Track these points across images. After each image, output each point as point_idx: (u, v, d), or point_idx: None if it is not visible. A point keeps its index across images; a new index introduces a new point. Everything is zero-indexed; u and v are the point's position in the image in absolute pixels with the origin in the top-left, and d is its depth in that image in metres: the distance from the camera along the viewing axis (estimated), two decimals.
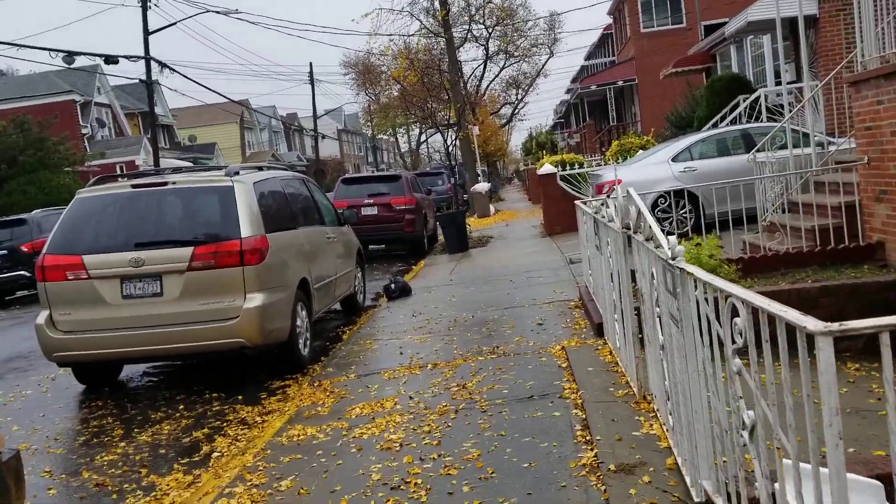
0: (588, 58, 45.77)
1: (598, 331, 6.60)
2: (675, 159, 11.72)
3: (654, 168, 11.77)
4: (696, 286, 2.90)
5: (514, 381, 5.58)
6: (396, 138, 73.30)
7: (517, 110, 52.39)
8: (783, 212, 9.02)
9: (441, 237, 20.18)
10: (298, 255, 7.78)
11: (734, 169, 11.40)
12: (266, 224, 7.03)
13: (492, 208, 26.77)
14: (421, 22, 28.39)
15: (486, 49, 38.55)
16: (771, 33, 15.40)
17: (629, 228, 4.78)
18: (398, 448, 4.45)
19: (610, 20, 35.18)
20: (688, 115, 16.92)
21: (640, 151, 15.12)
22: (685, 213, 11.52)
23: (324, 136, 61.75)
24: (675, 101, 19.22)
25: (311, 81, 53.61)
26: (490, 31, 38.05)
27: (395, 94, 46.30)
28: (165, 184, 7.17)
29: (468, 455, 4.15)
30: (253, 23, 49.69)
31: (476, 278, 11.35)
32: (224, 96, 37.18)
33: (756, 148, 9.47)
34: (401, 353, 7.12)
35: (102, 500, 4.49)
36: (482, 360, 6.40)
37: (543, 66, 45.79)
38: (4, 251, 15.99)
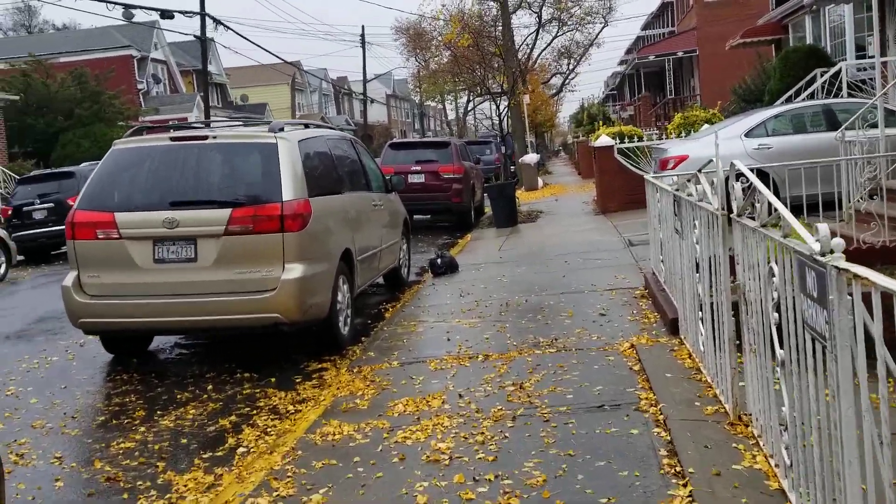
0: (645, 28, 44.04)
1: (673, 327, 5.88)
2: (748, 135, 10.79)
3: (725, 143, 10.78)
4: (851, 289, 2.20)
5: (578, 383, 4.91)
6: (444, 105, 72.39)
7: (567, 81, 51.05)
8: (872, 198, 8.14)
9: (488, 209, 19.51)
10: (343, 222, 7.18)
11: (814, 148, 10.45)
12: (310, 187, 6.43)
13: (540, 181, 25.91)
14: None
15: (539, 16, 37.30)
16: (854, 2, 14.17)
17: (731, 210, 4.06)
18: (447, 461, 3.83)
19: None
20: (758, 89, 15.81)
21: (706, 125, 14.14)
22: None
23: (372, 101, 61.16)
24: (745, 74, 18.05)
25: (363, 44, 52.90)
26: None
27: (446, 59, 45.52)
28: (206, 138, 6.60)
29: (531, 479, 3.51)
30: None
31: (527, 256, 10.65)
32: (277, 56, 36.80)
33: (846, 125, 8.53)
34: (448, 340, 6.50)
35: (112, 500, 3.98)
36: (540, 355, 5.74)
37: (597, 36, 44.29)
38: (51, 203, 15.75)
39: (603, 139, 14.74)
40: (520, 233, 13.85)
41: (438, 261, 10.12)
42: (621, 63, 57.18)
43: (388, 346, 6.59)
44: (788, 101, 13.57)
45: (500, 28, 28.74)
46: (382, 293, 9.53)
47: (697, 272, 4.91)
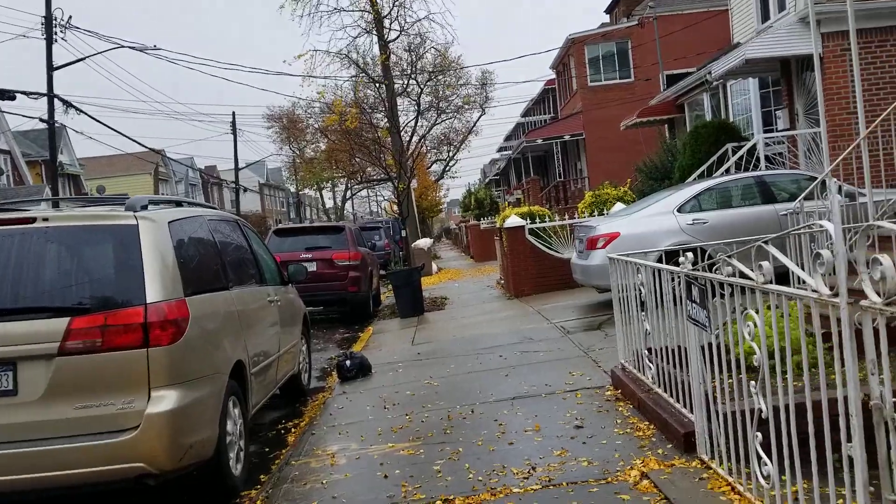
0: (525, 114, 44.93)
1: (687, 444, 4.47)
2: (681, 210, 9.92)
3: (657, 220, 9.94)
4: None
5: None
6: (321, 194, 71.24)
7: (448, 168, 51.17)
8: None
9: (385, 298, 17.93)
10: (232, 327, 5.44)
11: (754, 221, 9.72)
12: (185, 282, 4.70)
13: (434, 266, 24.69)
14: (359, 66, 26.51)
15: (418, 104, 37.11)
16: (759, 77, 14.12)
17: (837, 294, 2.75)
18: None
19: (553, 74, 34.27)
20: (664, 166, 15.39)
21: (618, 203, 13.38)
22: None
23: (245, 189, 58.77)
24: (647, 153, 17.76)
25: (234, 130, 50.94)
26: (422, 86, 36.68)
27: (323, 147, 44.55)
28: (33, 220, 4.73)
29: None
30: (173, 61, 46.93)
31: (450, 352, 9.10)
32: (138, 143, 34.16)
33: (804, 194, 7.71)
34: (385, 477, 4.79)
35: None
36: (521, 497, 4.15)
37: (475, 124, 44.82)
38: None
39: (513, 219, 13.67)
40: (430, 323, 12.32)
41: (347, 362, 8.39)
42: (499, 150, 58.30)
43: (300, 492, 4.78)
44: (701, 177, 13.07)
45: (383, 111, 27.94)
46: (280, 405, 7.68)
47: (746, 372, 3.57)
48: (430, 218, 65.05)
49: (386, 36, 27.32)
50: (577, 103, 28.65)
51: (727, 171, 12.36)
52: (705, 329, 4.06)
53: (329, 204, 73.60)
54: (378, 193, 70.22)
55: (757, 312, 3.44)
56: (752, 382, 3.42)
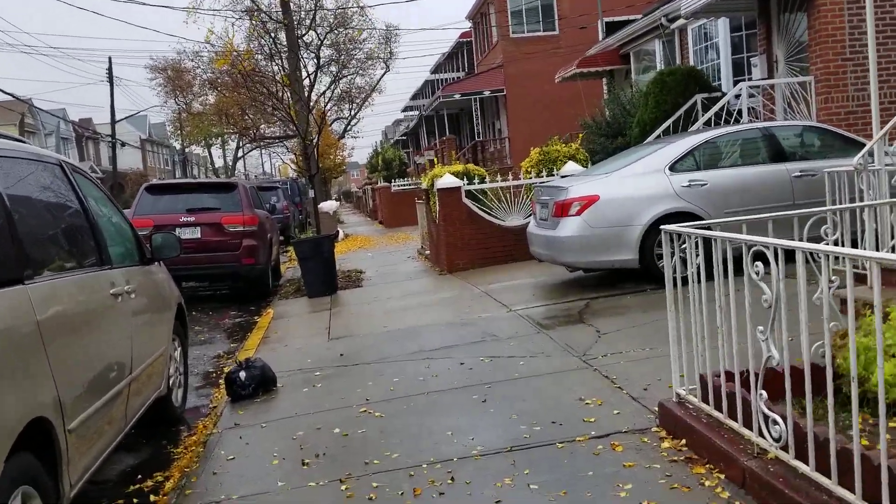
0: (435, 70, 42.24)
1: None
2: (674, 168, 7.85)
3: (645, 180, 7.83)
4: None
5: None
6: (210, 151, 66.48)
7: (350, 127, 47.99)
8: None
9: (286, 270, 15.25)
10: (24, 354, 2.87)
11: (759, 184, 7.81)
12: None
13: (340, 232, 22.04)
14: (254, 1, 23.07)
15: (318, 58, 33.84)
16: (731, 17, 12.24)
17: None
18: None
19: (469, 26, 31.78)
20: (615, 121, 13.36)
21: (570, 162, 11.27)
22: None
23: (123, 144, 53.36)
24: (586, 108, 15.71)
25: (110, 78, 45.92)
26: (322, 38, 33.44)
27: (212, 100, 40.78)
28: None
29: None
30: None
31: (385, 352, 6.69)
32: (2, 91, 29.68)
33: (865, 149, 5.73)
34: None
35: None
36: None
37: (379, 81, 41.82)
38: None
39: (448, 179, 11.29)
40: (347, 305, 9.84)
41: (241, 374, 5.85)
42: (405, 110, 55.47)
43: None
44: (668, 132, 11.13)
45: (279, 63, 24.68)
46: (137, 443, 5.13)
47: None
48: (331, 180, 61.83)
49: None
50: (498, 56, 26.37)
51: (707, 124, 10.44)
52: None
53: (219, 163, 69.02)
54: (273, 153, 66.04)
55: None
56: None
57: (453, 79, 35.86)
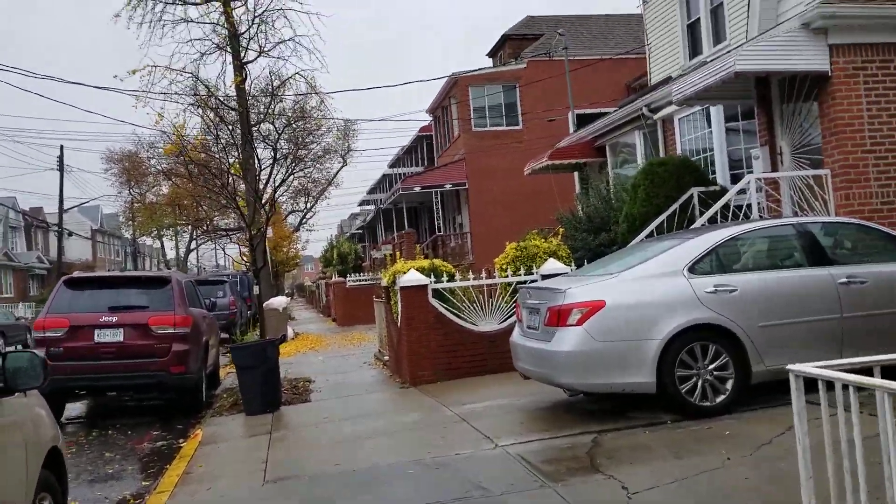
0: (394, 164, 41.52)
1: None
2: (694, 269, 6.54)
3: (659, 284, 6.49)
4: None
5: None
6: (162, 243, 64.39)
7: (305, 220, 46.67)
8: None
9: (227, 375, 13.42)
10: None
11: (801, 292, 6.54)
12: None
13: (290, 331, 20.29)
14: (207, 87, 21.95)
15: (275, 150, 32.85)
16: (725, 105, 11.37)
17: None
18: None
19: (430, 119, 31.21)
20: (598, 215, 12.21)
21: (551, 259, 9.99)
22: (718, 367, 6.29)
23: (70, 233, 51.14)
24: (570, 199, 14.63)
25: (61, 166, 44.16)
26: (280, 131, 32.55)
27: (165, 190, 39.50)
28: None
29: None
30: None
31: None
32: None
33: None
34: None
35: None
36: None
37: (336, 175, 40.95)
38: None
39: (412, 275, 9.87)
40: (292, 429, 8.13)
41: None
42: (362, 203, 54.56)
43: None
44: (661, 229, 9.98)
45: (235, 149, 23.46)
46: None
47: None
48: (283, 273, 59.92)
49: (243, 56, 23.23)
50: (459, 149, 25.61)
51: (712, 221, 9.30)
52: None
53: (171, 255, 66.87)
54: (225, 246, 63.99)
55: None
56: None
57: (412, 173, 35.17)
